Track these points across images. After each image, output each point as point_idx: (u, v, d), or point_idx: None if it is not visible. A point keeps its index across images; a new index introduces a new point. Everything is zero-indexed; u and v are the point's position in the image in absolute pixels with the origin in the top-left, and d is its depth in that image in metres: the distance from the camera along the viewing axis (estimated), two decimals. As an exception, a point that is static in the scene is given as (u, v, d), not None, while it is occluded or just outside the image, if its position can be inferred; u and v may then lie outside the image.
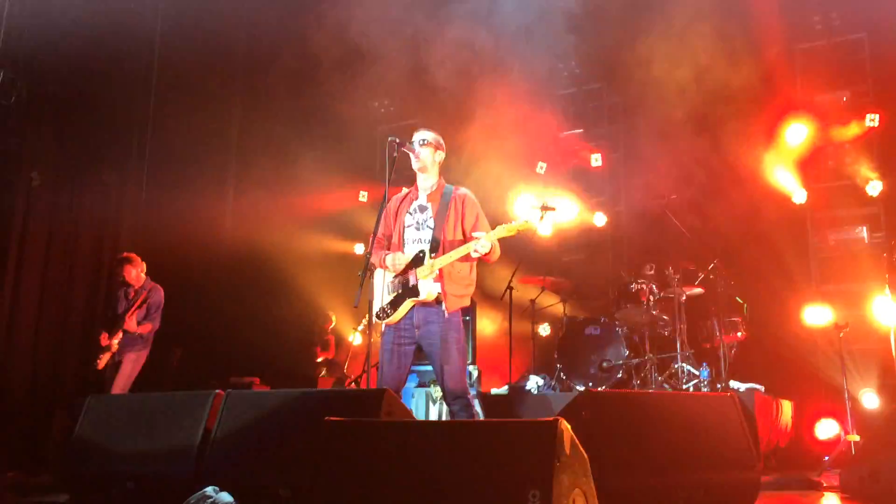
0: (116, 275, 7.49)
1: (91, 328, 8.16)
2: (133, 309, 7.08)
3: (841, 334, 6.81)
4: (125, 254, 7.49)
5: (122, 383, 7.03)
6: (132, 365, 7.13)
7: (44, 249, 8.19)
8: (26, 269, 7.98)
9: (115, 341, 7.01)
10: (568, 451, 2.45)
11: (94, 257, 8.71)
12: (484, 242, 4.48)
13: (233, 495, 3.78)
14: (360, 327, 9.06)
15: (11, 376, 7.69)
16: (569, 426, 2.50)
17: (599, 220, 9.48)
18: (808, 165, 8.44)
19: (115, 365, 7.09)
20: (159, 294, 7.33)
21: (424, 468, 2.55)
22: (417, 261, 4.62)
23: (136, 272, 7.33)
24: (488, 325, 9.46)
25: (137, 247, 8.06)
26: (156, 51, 9.04)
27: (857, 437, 6.34)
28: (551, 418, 2.44)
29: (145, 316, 7.19)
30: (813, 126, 8.36)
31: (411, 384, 7.71)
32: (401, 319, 4.63)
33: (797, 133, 8.39)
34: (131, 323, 7.03)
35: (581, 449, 2.62)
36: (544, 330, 9.32)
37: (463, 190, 4.89)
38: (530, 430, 2.50)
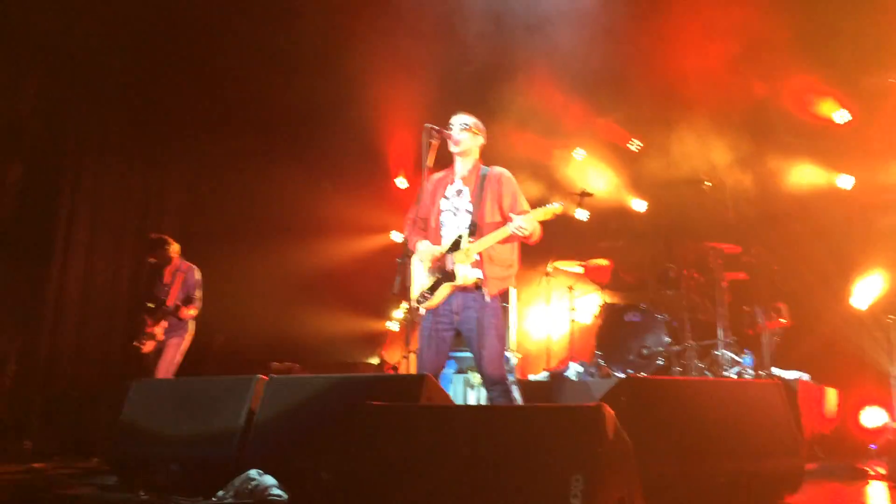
0: (148, 256, 7.26)
1: (136, 312, 8.28)
2: (173, 292, 7.06)
3: (889, 319, 6.69)
4: (154, 235, 7.36)
5: (165, 368, 7.04)
6: (175, 350, 7.10)
7: (89, 230, 8.31)
8: (72, 252, 8.10)
9: (160, 329, 6.98)
10: (611, 436, 2.43)
11: (138, 238, 8.78)
12: (522, 224, 4.39)
13: (276, 478, 3.83)
14: (399, 313, 9.09)
15: (58, 361, 7.85)
16: (612, 411, 2.48)
17: (638, 205, 9.43)
18: (856, 148, 8.24)
19: (158, 350, 7.10)
20: (196, 274, 7.17)
21: (465, 453, 2.55)
22: (455, 245, 4.59)
23: (170, 252, 7.18)
24: (527, 311, 9.43)
25: (181, 228, 8.15)
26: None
27: (903, 425, 6.22)
28: (594, 403, 2.43)
29: (185, 298, 7.04)
30: (857, 109, 8.18)
31: (450, 370, 7.71)
32: (439, 304, 4.60)
33: (841, 115, 8.22)
34: (173, 305, 6.93)
35: (624, 434, 2.60)
36: (583, 317, 9.27)
37: (499, 169, 4.79)
38: (573, 414, 2.48)
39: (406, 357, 6.57)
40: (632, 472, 2.61)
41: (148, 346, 6.97)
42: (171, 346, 7.08)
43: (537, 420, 2.56)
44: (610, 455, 2.39)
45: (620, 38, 7.85)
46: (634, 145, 9.36)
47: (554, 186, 9.30)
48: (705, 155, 8.23)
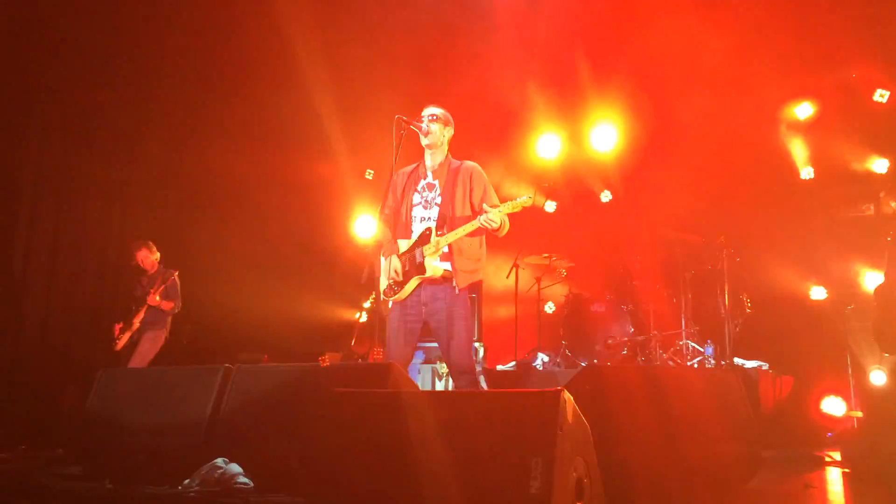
0: (130, 259, 7.65)
1: (101, 303, 8.30)
2: (154, 289, 7.28)
3: (847, 310, 6.86)
4: (140, 240, 7.67)
5: (137, 361, 7.13)
6: (150, 344, 7.27)
7: (53, 223, 8.22)
8: (35, 243, 8.01)
9: (138, 319, 7.25)
10: (570, 420, 2.50)
11: (103, 231, 8.74)
12: (492, 217, 4.41)
13: (242, 466, 3.85)
14: (367, 304, 9.09)
15: (22, 351, 7.76)
16: (571, 397, 2.55)
17: (605, 196, 9.55)
18: (817, 142, 8.42)
19: (131, 344, 7.25)
20: (174, 278, 7.51)
21: (430, 437, 2.60)
22: (423, 238, 4.62)
23: (152, 258, 7.57)
24: (494, 302, 9.48)
25: (144, 222, 8.15)
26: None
27: (859, 414, 6.37)
28: (554, 388, 2.49)
29: (164, 298, 7.39)
30: (820, 103, 8.36)
31: (417, 360, 7.75)
32: (408, 297, 4.65)
33: (804, 109, 8.41)
34: (153, 297, 7.23)
35: (583, 419, 2.67)
36: (550, 307, 9.36)
37: (470, 163, 4.81)
38: (533, 399, 2.54)
39: (374, 348, 6.59)
40: (590, 455, 2.68)
41: (123, 341, 7.26)
42: (146, 340, 7.30)
43: (499, 405, 2.61)
44: (569, 439, 2.45)
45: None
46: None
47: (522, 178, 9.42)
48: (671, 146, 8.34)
